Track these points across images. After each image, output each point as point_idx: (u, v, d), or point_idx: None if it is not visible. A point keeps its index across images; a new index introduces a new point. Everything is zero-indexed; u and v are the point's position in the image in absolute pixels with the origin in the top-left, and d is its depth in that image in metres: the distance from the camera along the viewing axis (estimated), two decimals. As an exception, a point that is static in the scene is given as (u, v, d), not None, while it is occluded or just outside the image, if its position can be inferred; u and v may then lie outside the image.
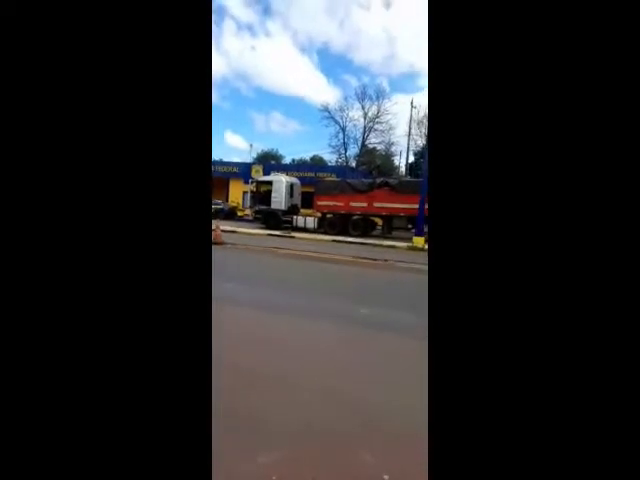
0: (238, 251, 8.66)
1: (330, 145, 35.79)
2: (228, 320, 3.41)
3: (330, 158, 35.85)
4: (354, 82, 53.61)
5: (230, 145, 65.56)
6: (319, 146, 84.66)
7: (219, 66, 51.88)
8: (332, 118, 33.29)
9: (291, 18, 54.69)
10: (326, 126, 36.96)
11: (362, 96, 34.16)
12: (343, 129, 33.71)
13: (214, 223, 9.59)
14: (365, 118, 33.55)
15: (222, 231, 10.05)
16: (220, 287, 4.47)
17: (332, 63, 56.94)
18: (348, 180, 15.91)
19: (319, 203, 15.75)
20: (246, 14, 57.63)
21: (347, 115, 33.46)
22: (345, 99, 47.16)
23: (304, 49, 57.70)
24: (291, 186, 16.83)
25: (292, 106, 58.89)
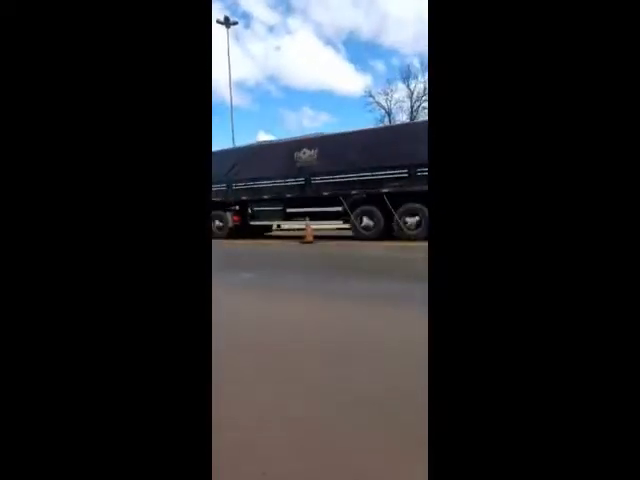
0: (335, 248, 8.60)
1: (375, 131, 35.02)
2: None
3: (375, 145, 35.12)
4: (381, 66, 51.42)
5: (264, 144, 66.01)
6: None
7: (250, 71, 52.39)
8: (377, 103, 32.64)
9: (312, 13, 53.73)
10: (370, 111, 36.08)
11: (407, 75, 31.73)
12: (389, 112, 33.02)
13: (304, 223, 9.89)
14: (411, 98, 32.43)
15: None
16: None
17: (359, 51, 54.85)
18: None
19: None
20: (273, 17, 57.24)
21: (391, 97, 32.74)
22: (388, 82, 45.12)
23: (328, 42, 56.47)
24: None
25: (321, 99, 57.94)
